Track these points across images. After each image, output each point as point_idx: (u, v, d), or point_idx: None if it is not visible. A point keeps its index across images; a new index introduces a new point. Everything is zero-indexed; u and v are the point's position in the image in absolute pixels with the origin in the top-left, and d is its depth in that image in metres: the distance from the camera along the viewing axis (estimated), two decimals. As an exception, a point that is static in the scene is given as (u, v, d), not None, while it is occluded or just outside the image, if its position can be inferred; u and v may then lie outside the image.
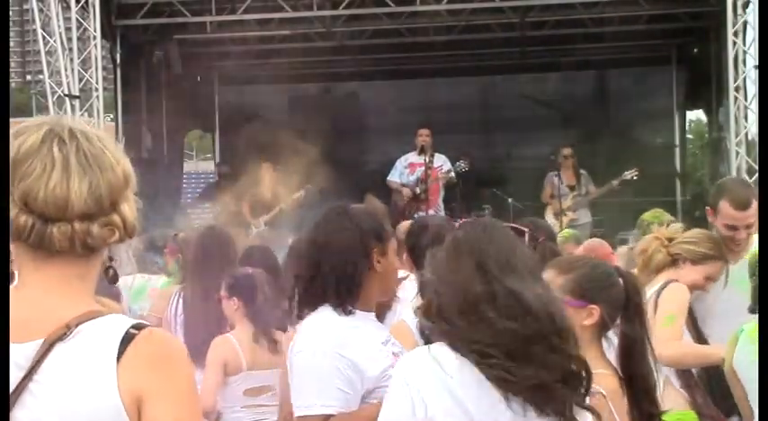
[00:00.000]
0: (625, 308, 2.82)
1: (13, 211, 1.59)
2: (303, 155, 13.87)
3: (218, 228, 5.82)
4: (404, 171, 11.53)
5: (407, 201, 11.25)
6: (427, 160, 11.14)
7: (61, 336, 1.59)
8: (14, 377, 1.59)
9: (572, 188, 11.72)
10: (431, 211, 10.77)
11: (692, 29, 13.49)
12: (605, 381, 2.65)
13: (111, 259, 1.74)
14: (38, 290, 1.63)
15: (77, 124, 1.68)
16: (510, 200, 12.06)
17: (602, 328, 2.81)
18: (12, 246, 1.63)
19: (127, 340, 1.60)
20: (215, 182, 14.00)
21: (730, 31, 11.02)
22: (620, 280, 2.88)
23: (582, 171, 11.86)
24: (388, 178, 11.66)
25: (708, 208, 4.50)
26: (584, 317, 2.74)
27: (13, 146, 1.62)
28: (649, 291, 3.86)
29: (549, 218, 11.65)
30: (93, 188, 1.61)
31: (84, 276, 1.67)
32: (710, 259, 4.14)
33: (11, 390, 1.58)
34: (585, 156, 12.61)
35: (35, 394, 1.58)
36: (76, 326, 1.60)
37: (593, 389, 2.38)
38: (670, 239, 4.18)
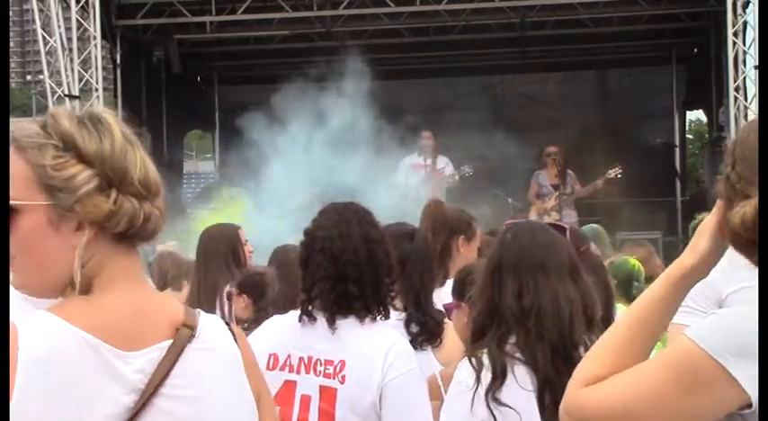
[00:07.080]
0: None
1: None
2: (304, 154, 13.87)
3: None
4: (407, 172, 11.44)
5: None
6: (431, 162, 11.11)
7: (189, 338, 1.54)
8: (139, 382, 1.49)
9: (556, 187, 11.72)
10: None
11: (692, 29, 13.49)
12: None
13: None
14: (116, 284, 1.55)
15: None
16: (510, 200, 12.05)
17: None
18: None
19: (234, 338, 1.62)
20: (215, 181, 13.99)
21: (730, 31, 11.03)
22: None
23: (569, 171, 11.83)
24: (392, 180, 11.50)
25: None
26: None
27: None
28: None
29: (533, 217, 11.67)
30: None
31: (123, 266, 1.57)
32: None
33: (137, 397, 1.48)
34: (585, 156, 12.59)
35: (172, 398, 1.51)
36: (197, 325, 1.57)
37: None
38: None
